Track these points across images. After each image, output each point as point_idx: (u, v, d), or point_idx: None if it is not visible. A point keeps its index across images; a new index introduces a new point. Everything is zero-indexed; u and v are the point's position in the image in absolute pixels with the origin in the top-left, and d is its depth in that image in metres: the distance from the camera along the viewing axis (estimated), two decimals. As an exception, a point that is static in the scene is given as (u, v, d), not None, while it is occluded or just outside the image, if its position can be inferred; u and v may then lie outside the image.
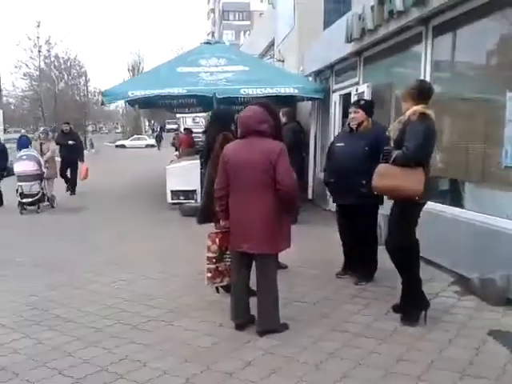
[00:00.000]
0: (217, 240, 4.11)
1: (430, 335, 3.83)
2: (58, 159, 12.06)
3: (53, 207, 10.64)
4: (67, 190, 12.74)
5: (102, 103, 10.36)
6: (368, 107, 5.06)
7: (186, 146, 14.80)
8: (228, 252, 4.14)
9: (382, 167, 4.01)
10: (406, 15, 5.91)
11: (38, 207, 10.19)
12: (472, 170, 5.30)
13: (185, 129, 17.49)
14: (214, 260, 4.12)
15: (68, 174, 12.72)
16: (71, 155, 12.58)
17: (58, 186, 11.82)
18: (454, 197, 5.64)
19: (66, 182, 12.81)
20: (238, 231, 3.86)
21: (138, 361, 3.50)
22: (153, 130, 59.53)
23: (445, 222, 5.36)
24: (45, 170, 10.38)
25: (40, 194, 10.17)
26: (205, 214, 4.67)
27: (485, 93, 5.19)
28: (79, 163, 12.72)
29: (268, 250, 3.85)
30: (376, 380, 3.18)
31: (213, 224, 4.54)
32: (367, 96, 7.52)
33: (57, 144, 12.52)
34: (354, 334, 3.87)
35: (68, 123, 13.15)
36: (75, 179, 12.78)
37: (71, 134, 13.04)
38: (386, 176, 3.94)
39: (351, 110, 5.09)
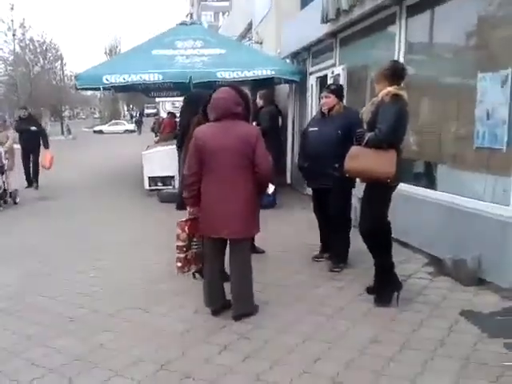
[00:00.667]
0: (186, 228, 4.02)
1: (402, 316, 3.89)
2: (16, 147, 10.88)
3: (15, 203, 9.44)
4: (28, 186, 11.49)
5: (76, 87, 10.16)
6: (339, 91, 5.06)
7: (169, 130, 14.64)
8: (195, 239, 4.09)
9: (354, 149, 4.02)
10: (380, -5, 5.89)
11: (0, 205, 9.03)
12: (444, 152, 5.35)
13: (168, 113, 17.27)
14: (184, 248, 4.05)
15: (31, 165, 11.53)
16: (33, 142, 11.42)
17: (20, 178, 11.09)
18: (427, 178, 5.70)
19: (27, 176, 11.63)
20: (216, 217, 3.77)
21: (113, 349, 3.49)
22: (131, 116, 58.66)
23: (418, 203, 5.42)
24: (5, 162, 9.15)
25: (1, 190, 8.97)
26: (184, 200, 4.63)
27: (457, 74, 5.21)
28: (44, 150, 11.35)
29: (247, 234, 3.87)
30: (349, 361, 3.22)
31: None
32: (342, 78, 7.53)
33: (17, 131, 11.27)
34: (328, 317, 3.91)
35: (25, 108, 11.88)
36: (38, 170, 11.56)
37: (30, 120, 11.76)
38: (357, 158, 3.96)
39: (322, 94, 5.09)
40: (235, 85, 4.08)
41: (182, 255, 4.04)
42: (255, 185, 3.79)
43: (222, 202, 3.74)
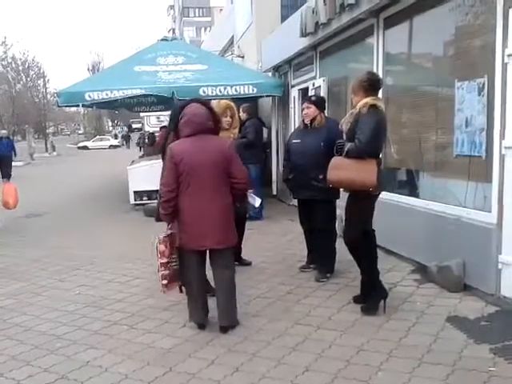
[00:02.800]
0: (167, 244, 3.95)
1: (389, 324, 3.90)
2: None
3: None
4: None
5: (58, 105, 10.12)
6: (319, 102, 5.09)
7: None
8: (173, 256, 4.00)
9: (335, 160, 4.06)
10: (357, 7, 5.96)
11: None
12: (426, 160, 5.40)
13: (162, 127, 17.24)
14: (169, 265, 3.98)
15: None
16: None
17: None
18: (410, 187, 5.75)
19: None
20: (198, 229, 3.79)
21: (99, 366, 3.45)
22: (115, 136, 58.33)
23: (402, 211, 5.46)
24: None
25: None
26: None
27: (435, 83, 5.28)
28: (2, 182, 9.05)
29: (228, 243, 3.91)
30: (337, 372, 3.22)
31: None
32: (323, 90, 7.60)
33: None
34: (315, 327, 3.91)
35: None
36: None
37: None
38: (339, 169, 4.00)
39: (303, 106, 5.14)
40: (204, 100, 4.14)
41: (167, 272, 3.97)
42: (231, 195, 3.90)
43: (202, 215, 3.78)
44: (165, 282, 3.98)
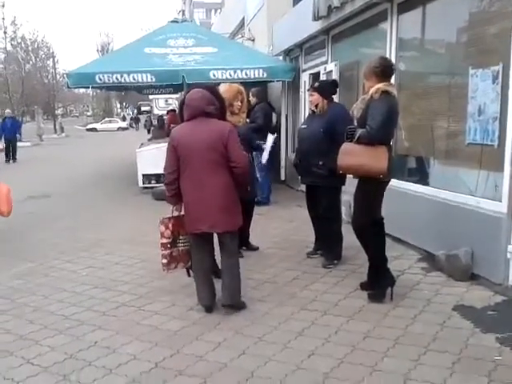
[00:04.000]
0: (170, 225, 4.07)
1: (396, 311, 3.91)
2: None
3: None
4: None
5: (68, 86, 10.10)
6: (322, 89, 5.03)
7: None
8: (181, 237, 4.12)
9: (347, 146, 4.03)
10: (371, -9, 5.88)
11: None
12: (437, 148, 5.36)
13: (169, 110, 17.22)
14: (169, 245, 4.08)
15: None
16: None
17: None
18: (420, 174, 5.71)
19: None
20: (197, 213, 3.87)
21: (107, 347, 3.48)
22: (124, 117, 58.41)
23: (411, 199, 5.43)
24: None
25: None
26: None
27: (449, 70, 5.22)
28: None
29: (228, 227, 3.91)
30: (343, 357, 3.24)
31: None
32: (335, 75, 7.53)
33: None
34: (322, 313, 3.92)
35: None
36: None
37: None
38: (350, 154, 3.97)
39: (308, 93, 5.14)
40: (210, 86, 4.16)
41: (167, 252, 4.08)
42: (232, 179, 3.87)
43: (198, 198, 3.83)
44: (164, 261, 4.09)
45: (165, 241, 4.08)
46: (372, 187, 4.00)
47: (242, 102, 5.10)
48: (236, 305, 4.01)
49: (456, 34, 5.08)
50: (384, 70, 3.98)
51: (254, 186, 5.62)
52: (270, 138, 5.44)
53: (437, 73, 5.47)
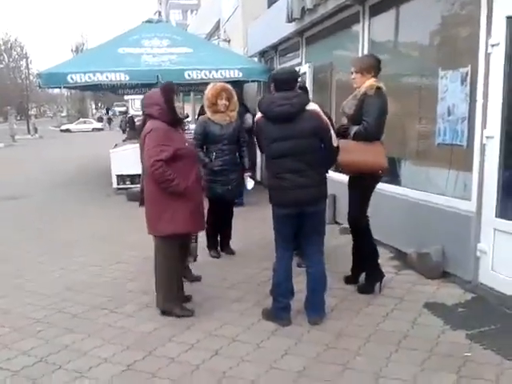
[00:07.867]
0: None
1: (368, 310, 3.95)
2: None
3: None
4: None
5: (40, 86, 9.93)
6: None
7: None
8: None
9: (344, 143, 3.94)
10: (342, -6, 5.94)
11: None
12: (408, 148, 5.44)
13: None
14: None
15: None
16: None
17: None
18: (392, 174, 5.76)
19: None
20: None
21: (78, 350, 3.44)
22: (99, 118, 57.80)
23: (383, 199, 5.47)
24: None
25: None
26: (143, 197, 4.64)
27: (419, 72, 5.29)
28: None
29: (150, 231, 3.95)
30: (316, 355, 3.26)
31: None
32: (309, 76, 7.57)
33: None
34: (296, 312, 3.92)
35: None
36: None
37: None
38: (349, 151, 3.93)
39: None
40: (167, 85, 4.00)
41: None
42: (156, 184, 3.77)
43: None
44: None
45: None
46: (369, 183, 4.09)
47: (229, 101, 5.13)
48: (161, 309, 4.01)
49: (427, 37, 5.15)
50: (379, 67, 4.09)
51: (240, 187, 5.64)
52: (251, 183, 5.52)
53: (408, 74, 5.55)
